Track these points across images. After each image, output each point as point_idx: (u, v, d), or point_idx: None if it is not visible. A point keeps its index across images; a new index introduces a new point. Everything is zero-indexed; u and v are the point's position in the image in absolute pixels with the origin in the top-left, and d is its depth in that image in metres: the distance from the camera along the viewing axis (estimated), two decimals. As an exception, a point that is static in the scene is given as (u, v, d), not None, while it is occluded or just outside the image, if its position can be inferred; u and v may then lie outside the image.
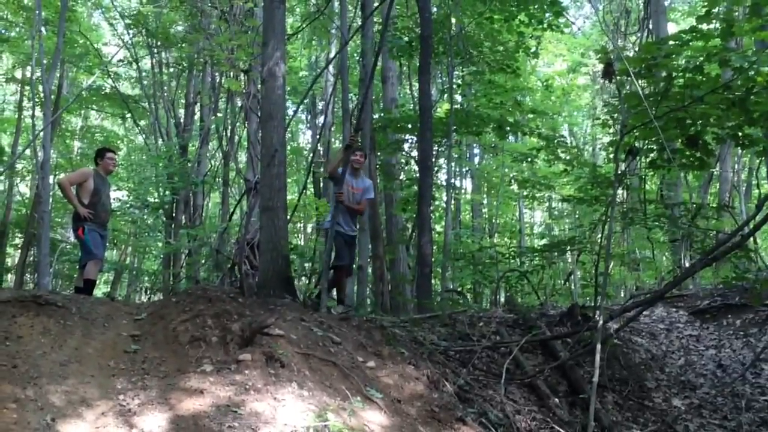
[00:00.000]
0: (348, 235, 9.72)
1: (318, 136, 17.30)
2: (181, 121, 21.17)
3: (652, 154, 9.34)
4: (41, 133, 13.08)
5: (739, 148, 9.54)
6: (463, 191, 25.18)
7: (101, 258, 9.20)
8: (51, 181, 13.42)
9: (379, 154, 15.41)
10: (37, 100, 18.23)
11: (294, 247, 15.11)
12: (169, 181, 18.25)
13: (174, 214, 19.58)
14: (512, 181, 21.57)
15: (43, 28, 15.29)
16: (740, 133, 8.37)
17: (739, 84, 7.28)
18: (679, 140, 8.68)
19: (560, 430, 7.60)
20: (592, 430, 6.93)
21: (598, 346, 7.12)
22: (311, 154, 18.00)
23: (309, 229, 25.44)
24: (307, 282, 14.31)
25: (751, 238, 11.13)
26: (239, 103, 16.09)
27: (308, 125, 26.83)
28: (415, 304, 13.03)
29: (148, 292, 21.96)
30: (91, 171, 9.07)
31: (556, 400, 8.24)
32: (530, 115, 18.11)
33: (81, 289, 8.64)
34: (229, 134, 17.53)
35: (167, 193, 18.61)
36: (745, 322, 10.92)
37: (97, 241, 8.90)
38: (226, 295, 7.19)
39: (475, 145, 23.10)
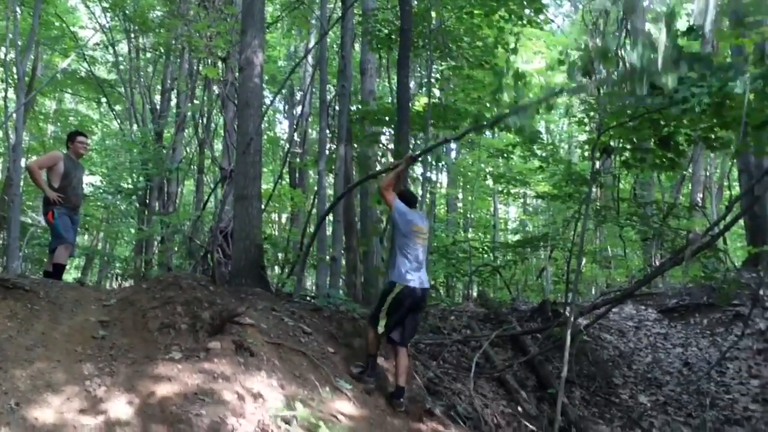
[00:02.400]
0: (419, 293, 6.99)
1: (295, 127, 17.25)
2: (157, 107, 20.96)
3: (625, 154, 9.41)
4: (14, 115, 12.93)
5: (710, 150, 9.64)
6: (438, 185, 25.20)
7: (72, 243, 9.09)
8: (23, 164, 13.26)
9: (355, 146, 15.38)
10: (10, 81, 18.01)
11: (268, 237, 15.06)
12: (144, 167, 18.10)
13: (147, 201, 19.41)
14: (488, 176, 21.65)
15: (18, 9, 15.09)
16: (712, 136, 8.44)
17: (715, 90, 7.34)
18: (652, 141, 8.75)
19: (527, 424, 7.66)
20: (558, 425, 6.99)
21: (568, 342, 7.19)
22: (288, 144, 17.93)
23: (283, 219, 25.37)
24: (279, 272, 14.29)
25: (721, 239, 11.26)
26: (216, 91, 15.98)
27: (285, 115, 26.73)
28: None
29: (119, 279, 21.79)
30: (61, 155, 8.95)
31: (525, 394, 8.31)
32: (507, 111, 18.14)
33: (50, 274, 8.54)
34: (205, 122, 17.40)
35: (141, 179, 18.45)
36: (712, 321, 11.05)
37: (67, 225, 8.78)
38: (197, 283, 7.15)
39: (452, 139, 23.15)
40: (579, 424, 7.73)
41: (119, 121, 23.18)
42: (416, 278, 6.84)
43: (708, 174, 19.46)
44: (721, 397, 9.12)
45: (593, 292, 16.28)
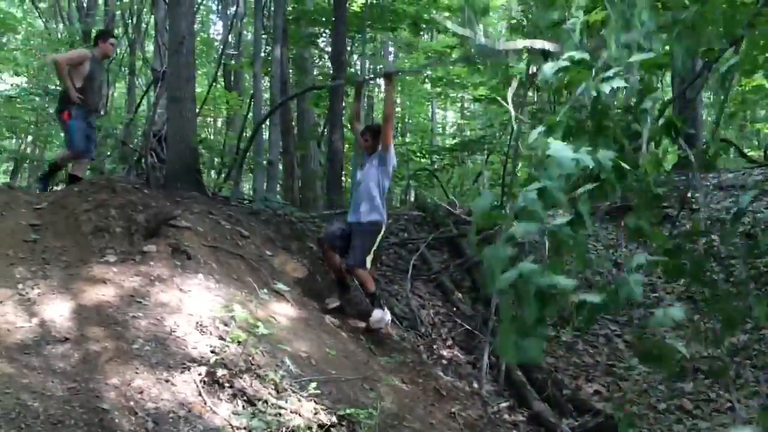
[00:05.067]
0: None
1: (229, 27, 16.75)
2: (84, 4, 20.12)
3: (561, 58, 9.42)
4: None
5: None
6: (376, 89, 24.98)
7: (92, 157, 8.83)
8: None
9: (291, 48, 15.08)
10: None
11: (203, 140, 14.82)
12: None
13: (77, 104, 18.86)
14: (426, 79, 21.50)
15: None
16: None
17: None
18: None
19: (462, 323, 7.86)
20: (492, 324, 7.19)
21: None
22: (222, 46, 17.45)
23: (219, 123, 24.93)
24: (216, 177, 14.14)
25: (653, 143, 11.44)
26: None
27: (219, 15, 25.92)
28: (324, 200, 13.08)
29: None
30: (89, 54, 8.49)
31: (460, 295, 8.48)
32: (446, 14, 17.92)
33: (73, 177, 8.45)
34: (135, 21, 16.82)
35: (69, 81, 17.84)
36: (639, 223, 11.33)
37: (82, 134, 8.42)
38: (131, 186, 7.04)
39: (389, 42, 22.79)
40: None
41: (44, 20, 22.21)
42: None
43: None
44: (648, 296, 9.45)
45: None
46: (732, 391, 6.87)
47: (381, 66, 21.84)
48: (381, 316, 6.79)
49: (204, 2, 21.06)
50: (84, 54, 8.47)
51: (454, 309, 8.14)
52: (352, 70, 18.77)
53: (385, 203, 7.20)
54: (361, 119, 7.78)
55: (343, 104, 13.17)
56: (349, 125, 7.21)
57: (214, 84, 16.81)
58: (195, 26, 12.75)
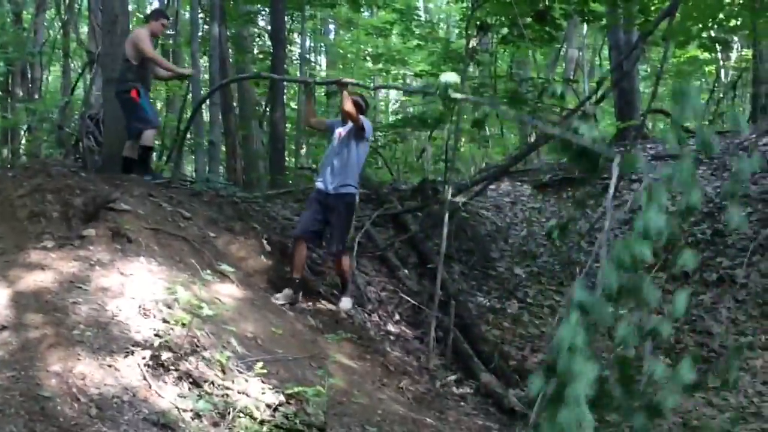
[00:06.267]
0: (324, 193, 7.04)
1: (165, 5, 16.44)
2: (14, -15, 19.58)
3: (503, 30, 9.49)
4: None
5: (584, 25, 9.82)
6: (317, 67, 24.82)
7: (159, 126, 8.77)
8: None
9: (230, 26, 14.87)
10: None
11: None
12: (3, 51, 16.99)
13: (10, 88, 18.34)
14: (367, 56, 21.43)
15: None
16: (586, 9, 8.62)
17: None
18: (529, 16, 8.85)
19: (409, 299, 7.89)
20: (438, 299, 7.23)
21: (446, 219, 7.35)
22: (159, 25, 17.14)
23: (158, 105, 24.54)
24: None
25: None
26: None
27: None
28: (268, 181, 12.98)
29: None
30: (147, 32, 8.26)
31: (406, 271, 8.51)
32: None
33: (135, 160, 8.06)
34: (67, 1, 16.40)
35: (1, 64, 17.35)
36: (583, 194, 11.50)
37: (152, 108, 8.29)
38: (68, 170, 6.89)
39: (330, 19, 22.65)
40: (458, 296, 8.01)
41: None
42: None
43: (580, 52, 19.88)
44: (592, 267, 9.61)
45: (472, 171, 16.60)
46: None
47: (321, 43, 21.69)
48: (350, 303, 6.98)
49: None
50: (147, 33, 8.23)
51: (401, 285, 8.17)
52: (292, 48, 18.62)
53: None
54: (316, 115, 7.73)
55: (284, 86, 13.05)
56: (303, 124, 7.18)
57: (151, 64, 16.49)
58: (129, 5, 12.50)
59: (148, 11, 13.11)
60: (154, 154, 10.47)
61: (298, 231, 7.02)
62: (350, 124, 6.93)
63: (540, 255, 10.08)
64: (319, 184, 7.04)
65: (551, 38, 9.23)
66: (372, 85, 13.74)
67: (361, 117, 6.93)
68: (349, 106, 6.74)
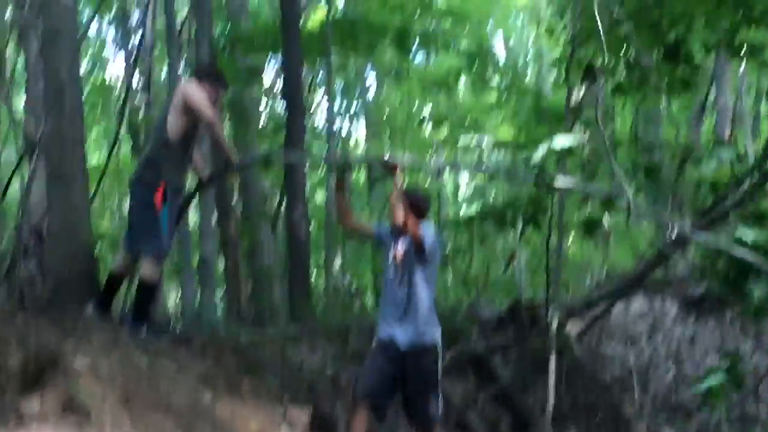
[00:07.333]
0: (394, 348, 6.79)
1: (134, 63, 16.93)
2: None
3: (617, 74, 9.46)
4: None
5: (737, 60, 9.74)
6: (352, 139, 25.21)
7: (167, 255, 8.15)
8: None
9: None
10: None
11: (103, 236, 14.81)
12: None
13: None
14: (424, 120, 21.68)
15: None
16: (737, 39, 8.55)
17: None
18: (655, 52, 8.81)
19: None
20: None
21: (552, 360, 7.19)
22: (125, 91, 17.56)
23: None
24: (125, 288, 14.04)
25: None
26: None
27: (118, 46, 26.23)
28: (287, 310, 12.96)
29: None
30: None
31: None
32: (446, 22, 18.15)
33: (138, 302, 7.83)
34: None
35: None
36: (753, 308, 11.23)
37: (171, 221, 7.65)
38: (-1, 312, 6.95)
39: (367, 68, 23.06)
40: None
41: None
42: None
43: (738, 99, 19.67)
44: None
45: (587, 283, 16.43)
46: None
47: (357, 102, 22.00)
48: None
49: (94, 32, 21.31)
50: (201, 90, 7.65)
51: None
52: (315, 114, 18.89)
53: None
54: (352, 211, 7.64)
55: (306, 170, 13.17)
56: (339, 222, 6.98)
57: (115, 147, 16.87)
58: (82, 68, 12.83)
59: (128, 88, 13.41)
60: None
61: (360, 392, 6.67)
62: (407, 241, 6.74)
63: (698, 408, 9.80)
64: (384, 336, 6.77)
65: (688, 84, 9.14)
66: (432, 163, 13.72)
67: (421, 226, 6.69)
68: (399, 215, 6.55)
